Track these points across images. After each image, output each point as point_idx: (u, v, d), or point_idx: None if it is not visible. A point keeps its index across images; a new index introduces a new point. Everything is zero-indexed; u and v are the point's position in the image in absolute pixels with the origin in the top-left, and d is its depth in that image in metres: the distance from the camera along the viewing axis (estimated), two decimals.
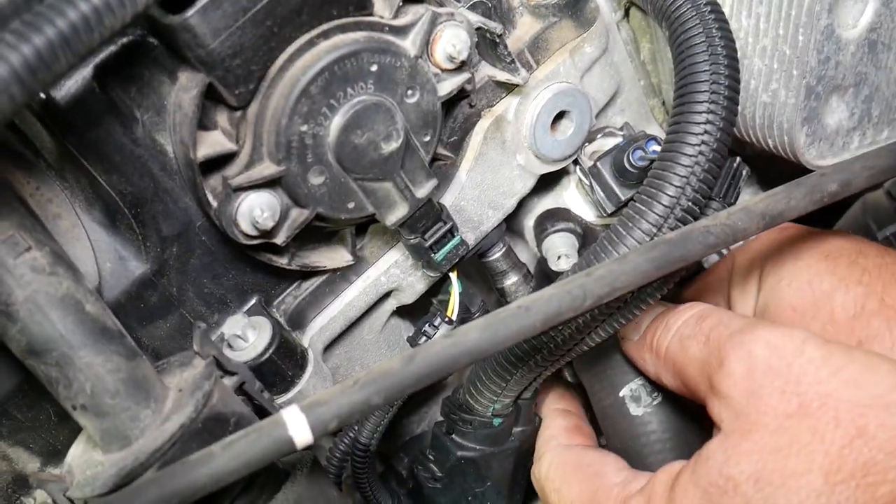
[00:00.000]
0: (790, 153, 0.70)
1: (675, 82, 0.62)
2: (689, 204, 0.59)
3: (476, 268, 0.79)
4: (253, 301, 0.65)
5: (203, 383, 0.55)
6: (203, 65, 0.54)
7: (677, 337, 0.60)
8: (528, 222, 0.77)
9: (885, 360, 0.51)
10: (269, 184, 0.57)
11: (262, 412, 0.60)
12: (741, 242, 0.62)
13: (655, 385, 0.68)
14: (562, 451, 0.70)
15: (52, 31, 0.43)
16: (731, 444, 0.52)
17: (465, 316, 0.73)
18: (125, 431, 0.53)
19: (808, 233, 0.67)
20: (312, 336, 0.67)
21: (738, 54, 0.68)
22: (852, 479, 0.47)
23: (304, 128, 0.56)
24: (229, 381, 0.59)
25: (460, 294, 0.70)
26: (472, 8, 0.65)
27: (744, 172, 0.63)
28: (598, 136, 0.74)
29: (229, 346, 0.62)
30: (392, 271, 0.68)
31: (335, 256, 0.66)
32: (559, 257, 0.73)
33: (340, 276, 0.67)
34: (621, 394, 0.69)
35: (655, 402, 0.68)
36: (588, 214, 0.76)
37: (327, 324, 0.67)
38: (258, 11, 0.53)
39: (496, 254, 0.74)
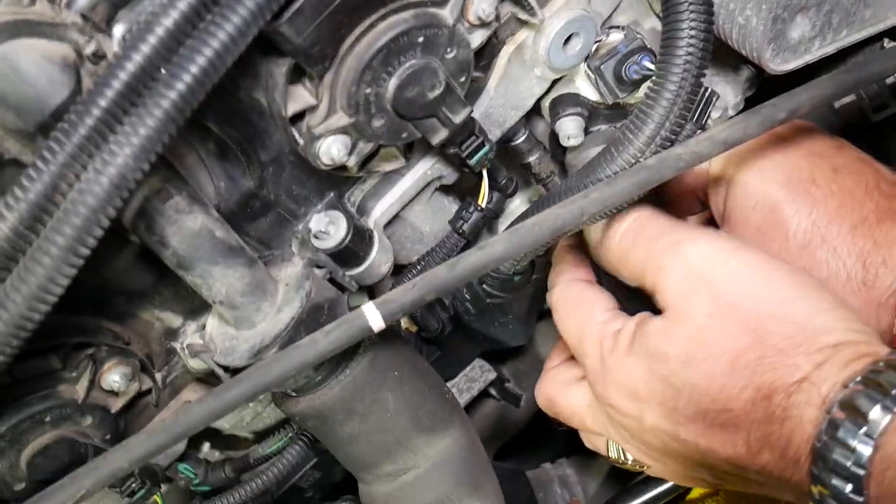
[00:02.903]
0: (759, 63, 0.85)
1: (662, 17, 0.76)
2: (669, 133, 0.76)
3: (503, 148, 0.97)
4: (330, 196, 0.84)
5: (304, 282, 0.76)
6: (290, 54, 0.70)
7: (619, 247, 0.79)
8: (545, 102, 0.94)
9: (791, 276, 0.71)
10: (342, 129, 0.75)
11: (345, 289, 0.83)
12: None
13: None
14: (566, 285, 0.87)
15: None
16: (667, 326, 0.72)
17: (495, 185, 0.92)
18: (252, 318, 0.75)
19: (779, 137, 0.83)
20: (376, 218, 0.87)
21: None
22: (748, 367, 0.68)
23: (368, 90, 0.73)
24: (320, 272, 0.80)
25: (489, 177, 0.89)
26: None
27: (714, 99, 0.79)
28: (603, 35, 0.88)
29: (315, 237, 0.82)
30: (436, 165, 0.87)
31: (391, 161, 0.84)
32: (568, 137, 0.91)
33: (396, 172, 0.86)
34: None
35: None
36: (594, 95, 0.93)
37: (387, 209, 0.87)
38: (332, 11, 0.68)
39: (520, 139, 0.91)
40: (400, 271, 0.97)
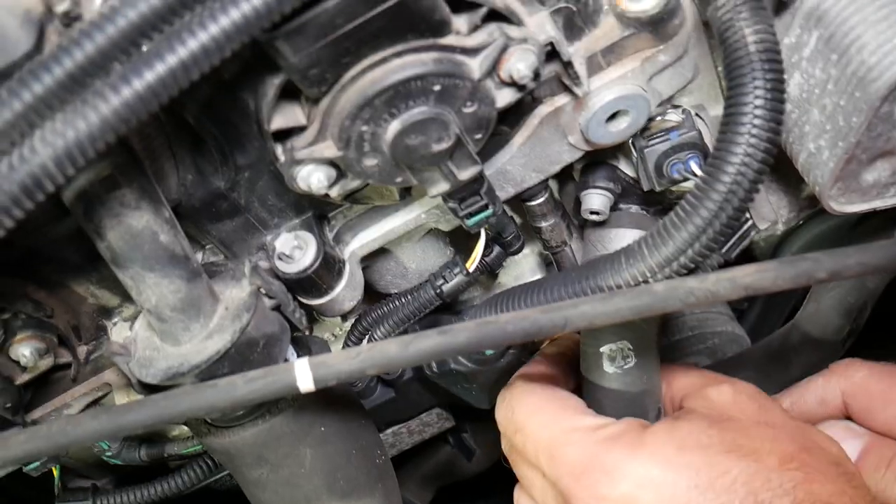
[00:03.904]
0: (819, 198, 0.74)
1: (720, 127, 0.66)
2: (689, 260, 0.66)
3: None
4: (308, 214, 0.76)
5: (243, 313, 0.68)
6: (285, 70, 0.61)
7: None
8: (578, 164, 0.84)
9: None
10: (327, 161, 0.66)
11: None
12: None
13: (632, 353, 0.78)
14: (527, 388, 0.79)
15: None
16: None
17: (499, 239, 0.83)
18: (177, 336, 0.68)
19: None
20: (354, 250, 0.78)
21: (805, 96, 0.71)
22: None
23: (365, 128, 0.63)
24: (269, 302, 0.72)
25: (487, 237, 0.79)
26: (556, 14, 0.68)
27: (752, 234, 0.69)
28: (658, 116, 0.78)
29: (279, 258, 0.74)
30: (433, 211, 0.78)
31: (386, 194, 0.75)
32: (591, 212, 0.81)
33: (387, 207, 0.77)
34: (602, 349, 0.79)
35: (626, 367, 0.79)
36: (632, 172, 0.82)
37: (368, 243, 0.78)
38: (339, 36, 0.59)
39: (536, 201, 0.81)
40: (375, 298, 0.88)
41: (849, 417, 0.81)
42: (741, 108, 0.63)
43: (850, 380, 0.79)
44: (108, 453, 0.90)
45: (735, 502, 0.65)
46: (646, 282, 0.67)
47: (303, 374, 0.64)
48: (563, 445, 0.72)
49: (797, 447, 0.69)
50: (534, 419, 0.76)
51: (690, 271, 0.67)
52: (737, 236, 0.70)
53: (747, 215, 0.72)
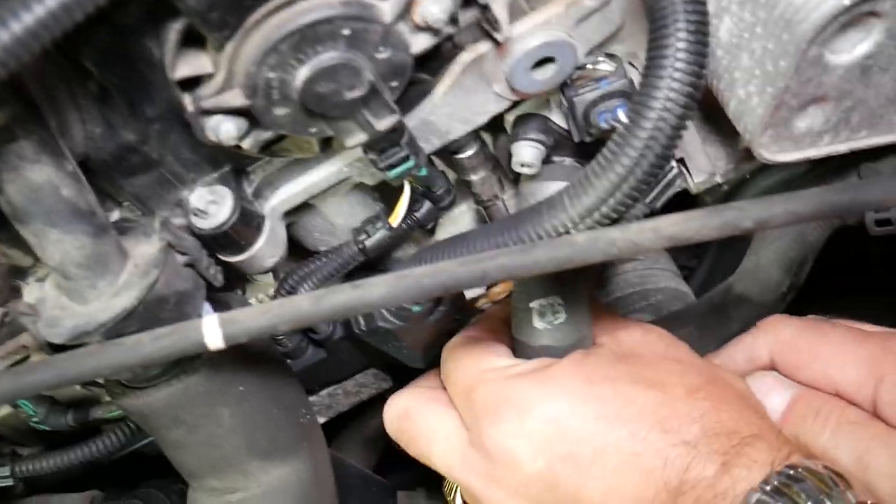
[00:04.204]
0: (750, 148, 0.72)
1: (642, 74, 0.64)
2: (612, 210, 0.64)
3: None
4: (226, 168, 0.73)
5: (152, 269, 0.66)
6: (183, 12, 0.58)
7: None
8: (510, 116, 0.81)
9: None
10: (236, 110, 0.63)
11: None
12: None
13: (563, 308, 0.77)
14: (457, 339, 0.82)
15: None
16: None
17: (429, 194, 0.80)
18: (84, 294, 0.65)
19: None
20: (274, 205, 0.75)
21: (734, 41, 0.69)
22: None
23: (272, 74, 0.61)
24: (181, 259, 0.69)
25: (411, 192, 0.77)
26: None
27: (677, 182, 0.67)
28: (588, 63, 0.75)
29: (193, 214, 0.71)
30: (356, 164, 0.75)
31: (302, 148, 0.72)
32: (522, 165, 0.79)
33: (308, 159, 0.75)
34: (531, 304, 0.78)
35: (556, 322, 0.77)
36: (565, 124, 0.80)
37: (290, 197, 0.75)
38: None
39: (465, 153, 0.79)
40: (304, 255, 0.86)
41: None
42: (662, 51, 0.61)
43: (777, 336, 0.78)
44: (35, 419, 0.88)
45: (642, 431, 0.66)
46: (567, 232, 0.66)
47: (211, 331, 0.62)
48: (477, 384, 0.73)
49: (704, 380, 0.70)
50: (457, 365, 0.77)
51: (614, 221, 0.65)
52: (661, 185, 0.68)
53: (673, 164, 0.70)
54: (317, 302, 0.62)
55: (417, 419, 0.78)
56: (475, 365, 0.76)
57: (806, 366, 0.76)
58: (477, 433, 0.71)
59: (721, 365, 0.81)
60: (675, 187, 0.69)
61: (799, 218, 0.66)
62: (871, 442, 0.70)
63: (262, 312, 0.63)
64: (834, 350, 0.77)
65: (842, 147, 0.74)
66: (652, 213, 0.75)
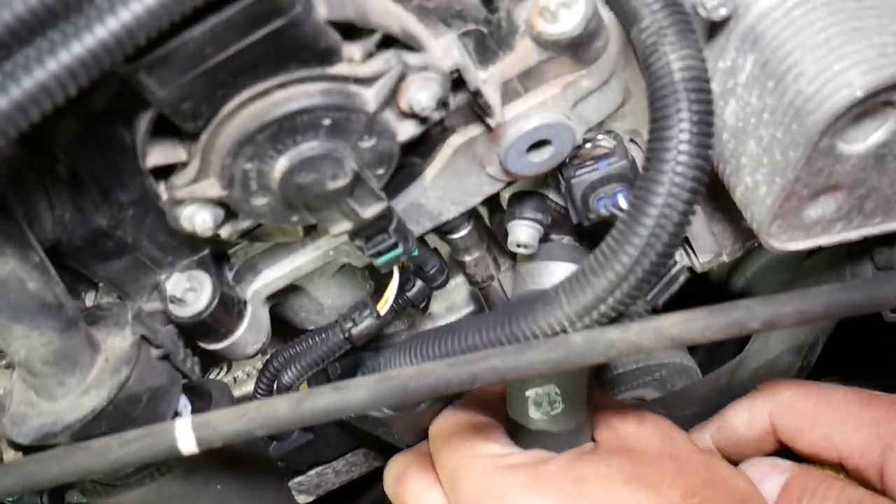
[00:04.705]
0: (758, 235, 0.68)
1: (644, 162, 0.60)
2: (610, 309, 0.60)
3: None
4: (205, 252, 0.69)
5: (123, 366, 0.62)
6: (154, 104, 0.55)
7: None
8: (505, 193, 0.78)
9: None
10: (211, 200, 0.60)
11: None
12: None
13: (560, 398, 0.73)
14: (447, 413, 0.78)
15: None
16: None
17: (420, 273, 0.77)
18: (51, 391, 0.62)
19: None
20: (257, 289, 0.72)
21: (741, 125, 0.66)
22: None
23: (249, 165, 0.57)
24: (155, 352, 0.66)
25: (402, 272, 0.73)
26: (465, 37, 0.62)
27: (681, 279, 0.63)
28: (588, 142, 0.72)
29: (171, 301, 0.68)
30: (342, 247, 0.71)
31: (288, 231, 0.69)
32: (518, 245, 0.75)
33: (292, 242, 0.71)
34: (527, 393, 0.74)
35: (553, 413, 0.73)
36: (563, 202, 0.76)
37: (273, 281, 0.72)
38: (211, 67, 0.53)
39: (460, 233, 0.75)
40: (295, 333, 0.82)
41: (778, 439, 0.77)
42: (665, 143, 0.57)
43: (776, 399, 0.74)
44: (9, 499, 0.85)
45: None
46: (564, 331, 0.62)
47: (184, 436, 0.58)
48: (464, 470, 0.70)
49: (701, 481, 0.67)
50: (447, 445, 0.74)
51: (613, 320, 0.62)
52: (664, 281, 0.64)
53: (676, 258, 0.66)
54: (296, 405, 0.59)
55: (410, 486, 0.76)
56: (465, 448, 0.73)
57: (808, 431, 0.73)
58: None
59: (720, 430, 0.79)
60: (678, 283, 0.65)
61: (809, 318, 0.62)
62: None
63: (239, 416, 0.59)
64: (836, 414, 0.73)
65: (854, 234, 0.71)
66: (654, 310, 0.71)
